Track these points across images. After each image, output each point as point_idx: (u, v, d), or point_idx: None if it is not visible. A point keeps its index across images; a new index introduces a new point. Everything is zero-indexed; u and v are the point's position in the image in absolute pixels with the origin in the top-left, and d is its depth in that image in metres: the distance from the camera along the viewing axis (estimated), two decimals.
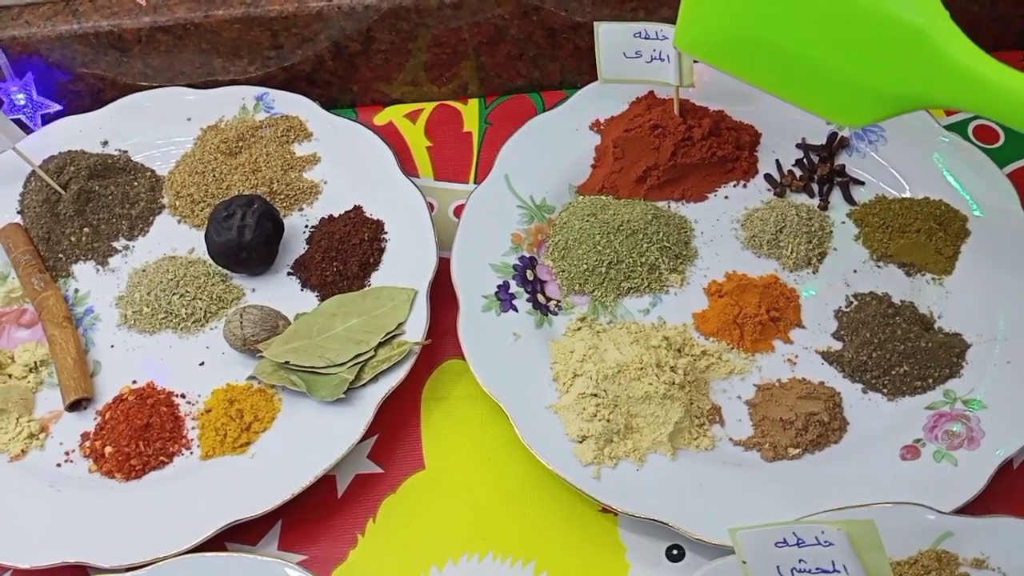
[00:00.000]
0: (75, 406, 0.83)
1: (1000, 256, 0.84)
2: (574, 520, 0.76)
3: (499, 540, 0.76)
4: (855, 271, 0.86)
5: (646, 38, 0.88)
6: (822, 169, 0.92)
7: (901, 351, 0.79)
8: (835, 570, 0.62)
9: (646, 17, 0.96)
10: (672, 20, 0.87)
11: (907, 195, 0.89)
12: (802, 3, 0.67)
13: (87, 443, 0.81)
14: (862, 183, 0.92)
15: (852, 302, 0.84)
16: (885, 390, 0.79)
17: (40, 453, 0.81)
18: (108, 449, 0.79)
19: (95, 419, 0.82)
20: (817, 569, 0.63)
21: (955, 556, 0.68)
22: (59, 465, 0.80)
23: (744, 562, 0.64)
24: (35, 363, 0.86)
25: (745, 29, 0.70)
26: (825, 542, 0.61)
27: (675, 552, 0.74)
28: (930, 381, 0.79)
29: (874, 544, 0.60)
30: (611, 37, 0.89)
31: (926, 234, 0.86)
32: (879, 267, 0.86)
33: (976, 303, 0.82)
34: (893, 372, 0.79)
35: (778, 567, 0.63)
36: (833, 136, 0.93)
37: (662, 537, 0.75)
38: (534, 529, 0.76)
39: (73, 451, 0.81)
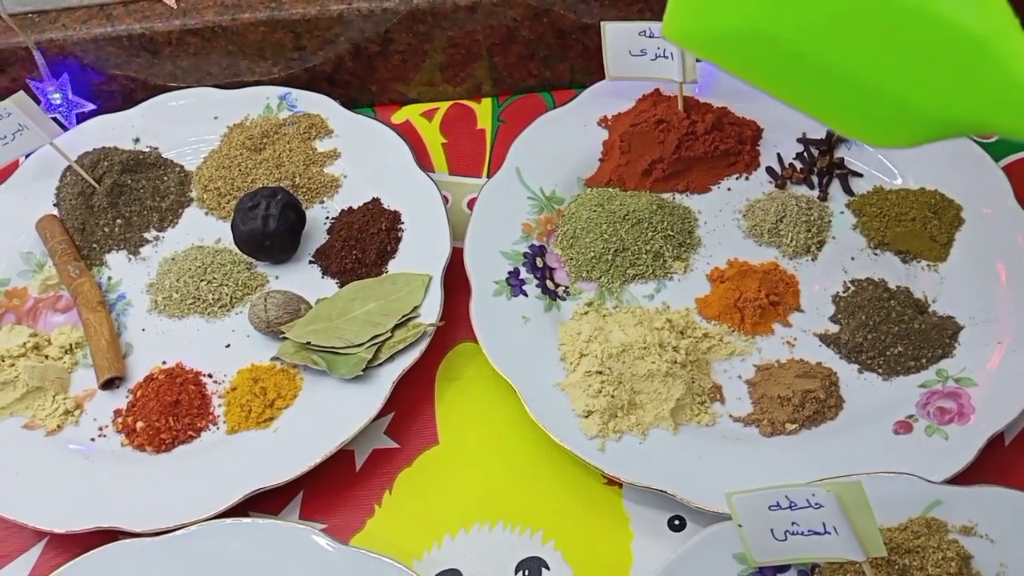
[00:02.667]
0: (108, 385, 0.87)
1: (992, 244, 0.87)
2: (580, 492, 0.80)
3: (509, 511, 0.79)
4: (853, 258, 0.90)
5: (651, 36, 0.92)
6: (821, 162, 0.95)
7: (895, 333, 0.82)
8: (826, 531, 0.65)
9: (652, 18, 1.00)
10: None
11: (903, 186, 0.93)
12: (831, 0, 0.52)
13: (119, 419, 0.85)
14: (860, 175, 0.95)
15: (849, 287, 0.87)
16: (880, 370, 0.82)
17: (75, 428, 0.85)
18: (139, 424, 0.84)
19: (127, 397, 0.87)
20: (809, 531, 0.66)
21: (944, 523, 0.70)
22: (93, 439, 0.85)
23: (740, 525, 0.67)
24: (71, 345, 0.90)
25: (752, 23, 0.55)
26: (816, 504, 0.64)
27: (676, 522, 0.78)
28: (923, 361, 0.82)
29: (862, 505, 0.63)
30: (617, 36, 0.94)
31: (921, 222, 0.89)
32: (876, 255, 0.90)
33: (969, 288, 0.86)
34: (888, 353, 0.82)
35: (772, 530, 0.66)
36: (832, 131, 0.97)
37: (664, 508, 0.78)
38: (542, 500, 0.80)
39: (106, 426, 0.85)
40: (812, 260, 0.90)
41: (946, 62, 0.50)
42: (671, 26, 0.59)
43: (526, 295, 0.88)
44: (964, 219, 0.90)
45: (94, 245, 0.97)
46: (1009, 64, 0.48)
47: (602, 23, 0.94)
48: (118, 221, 0.98)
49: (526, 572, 0.76)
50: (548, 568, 0.76)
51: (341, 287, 0.91)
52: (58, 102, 1.06)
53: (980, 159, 0.91)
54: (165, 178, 1.01)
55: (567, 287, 0.90)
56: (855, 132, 0.56)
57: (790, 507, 0.65)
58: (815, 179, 0.95)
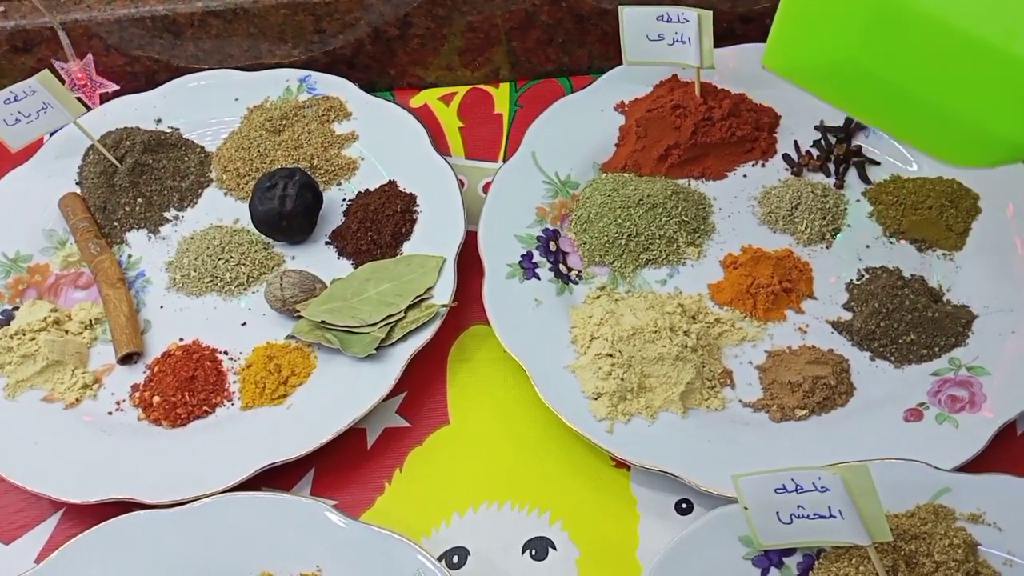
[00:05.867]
0: (126, 360, 0.89)
1: (1009, 233, 0.87)
2: (588, 473, 0.80)
3: (517, 490, 0.80)
4: (868, 246, 0.89)
5: (668, 21, 0.92)
6: (839, 150, 0.95)
7: (908, 321, 0.82)
8: (832, 515, 0.65)
9: (671, 3, 1.00)
10: (695, 6, 0.92)
11: (920, 174, 0.92)
12: (917, 37, 0.60)
13: (136, 393, 0.87)
14: (878, 163, 0.95)
15: (863, 275, 0.87)
16: (892, 358, 0.82)
17: (93, 402, 0.87)
18: (156, 399, 0.85)
19: (144, 372, 0.88)
20: (815, 514, 0.66)
21: (952, 511, 0.70)
22: (110, 413, 0.86)
23: (746, 508, 0.67)
24: (90, 320, 0.92)
25: (847, 57, 0.63)
26: (822, 488, 0.65)
27: (684, 505, 0.78)
28: (936, 350, 0.81)
29: (867, 489, 0.63)
30: (635, 21, 0.94)
31: (938, 211, 0.88)
32: (891, 243, 0.89)
33: (984, 277, 0.85)
34: (900, 341, 0.82)
35: (777, 512, 0.67)
36: (850, 119, 0.96)
37: (672, 491, 0.78)
38: (550, 481, 0.80)
39: (124, 400, 0.87)
40: (827, 247, 0.90)
41: (1021, 94, 0.58)
42: (772, 58, 0.68)
43: (539, 278, 0.89)
44: (981, 208, 0.89)
45: (115, 223, 0.99)
46: None
47: (620, 7, 0.94)
48: (139, 200, 0.99)
49: (533, 551, 0.77)
50: (555, 548, 0.77)
51: (356, 268, 0.92)
52: (82, 82, 1.07)
53: None
54: (186, 158, 1.03)
55: (580, 271, 0.90)
56: (940, 153, 0.64)
57: (796, 490, 0.66)
58: (832, 167, 0.95)
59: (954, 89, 0.60)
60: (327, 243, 0.95)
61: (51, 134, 1.04)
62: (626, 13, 0.94)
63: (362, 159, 1.01)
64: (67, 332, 0.91)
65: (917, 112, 0.63)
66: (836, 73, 0.64)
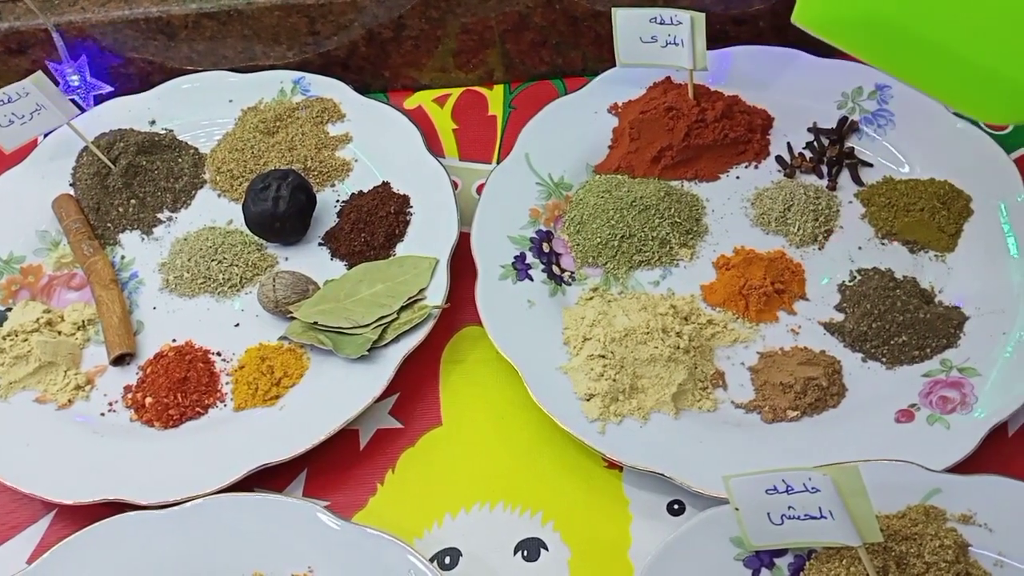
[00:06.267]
0: (119, 361, 0.89)
1: (1001, 235, 0.87)
2: (581, 475, 0.80)
3: (509, 491, 0.80)
4: (860, 248, 0.89)
5: (661, 23, 0.93)
6: (831, 151, 0.95)
7: (900, 322, 0.82)
8: (822, 516, 0.66)
9: (664, 5, 1.00)
10: (688, 8, 0.92)
11: (913, 176, 0.93)
12: None
13: (129, 395, 0.87)
14: (870, 165, 0.95)
15: (855, 276, 0.87)
16: (884, 359, 0.82)
17: (85, 403, 0.87)
18: (148, 400, 0.85)
19: (137, 373, 0.88)
20: (806, 515, 0.66)
21: (943, 511, 0.70)
22: (103, 414, 0.86)
23: (737, 508, 0.67)
24: (83, 322, 0.92)
25: (880, 11, 0.64)
26: (812, 488, 0.65)
27: (676, 506, 0.78)
28: (927, 351, 0.82)
29: (857, 489, 0.63)
30: (628, 22, 0.94)
31: (930, 212, 0.89)
32: (883, 244, 0.89)
33: (976, 279, 0.85)
34: (892, 342, 0.82)
35: (768, 513, 0.67)
36: (844, 120, 0.97)
37: (664, 492, 0.78)
38: (542, 482, 0.80)
39: (116, 402, 0.87)
40: (819, 249, 0.90)
41: None
42: (803, 14, 0.68)
43: (532, 279, 0.89)
44: (973, 210, 0.89)
45: (108, 224, 0.99)
46: None
47: (613, 10, 0.94)
48: (132, 201, 0.99)
49: (525, 552, 0.77)
50: (547, 549, 0.77)
51: (349, 269, 0.92)
52: (76, 83, 1.07)
53: (991, 150, 0.91)
54: (179, 160, 1.03)
55: (573, 272, 0.91)
56: (974, 110, 0.65)
57: (787, 491, 0.66)
58: (825, 168, 0.95)
59: (990, 44, 0.60)
60: (320, 244, 0.95)
61: (45, 135, 1.04)
62: (619, 15, 0.94)
63: (356, 160, 1.01)
64: (60, 333, 0.91)
65: (951, 68, 0.62)
66: (868, 28, 0.65)
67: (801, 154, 0.96)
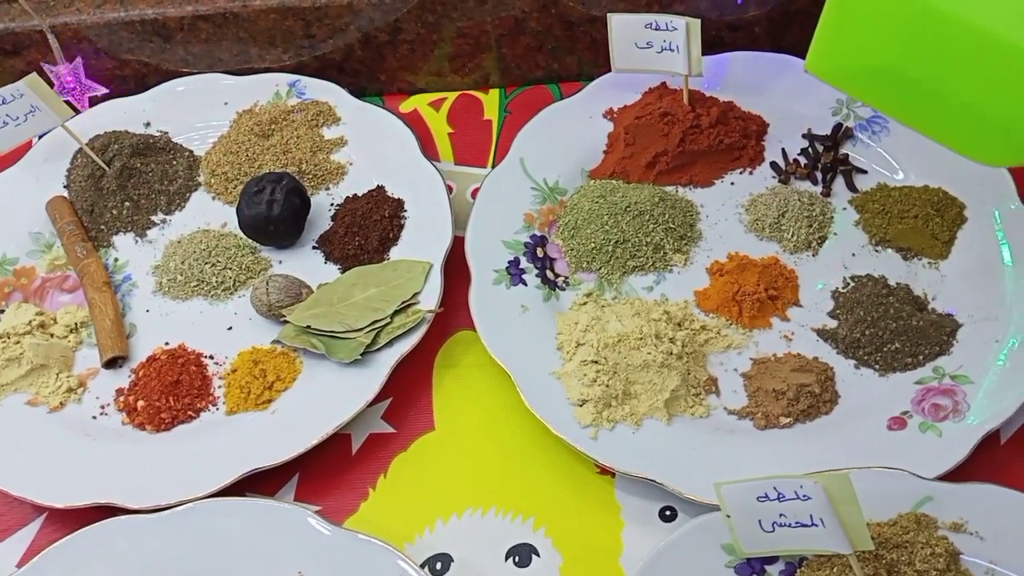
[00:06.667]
0: (111, 364, 0.88)
1: (994, 242, 0.87)
2: (573, 480, 0.80)
3: (501, 497, 0.80)
4: (853, 255, 0.89)
5: (657, 29, 0.93)
6: (826, 158, 0.95)
7: (893, 329, 0.82)
8: (813, 523, 0.65)
9: (659, 11, 1.00)
10: (683, 14, 0.92)
11: (907, 183, 0.93)
12: (951, 42, 0.64)
13: (121, 398, 0.86)
14: (865, 171, 0.95)
15: (849, 283, 0.87)
16: (877, 366, 0.82)
17: (77, 406, 0.87)
18: (140, 403, 0.85)
19: (129, 376, 0.88)
20: (797, 523, 0.66)
21: (934, 519, 0.70)
22: (95, 417, 0.86)
23: (728, 516, 0.67)
24: (76, 324, 0.91)
25: (886, 62, 0.68)
26: (803, 496, 0.65)
27: (668, 512, 0.78)
28: (920, 358, 0.82)
29: (848, 497, 0.63)
30: (623, 28, 0.94)
31: (923, 220, 0.89)
32: (877, 251, 0.89)
33: (969, 286, 0.85)
34: (885, 349, 0.82)
35: (760, 521, 0.67)
36: (838, 127, 0.97)
37: (656, 499, 0.78)
38: (535, 488, 0.80)
39: (108, 405, 0.87)
40: (813, 255, 0.90)
41: None
42: (815, 63, 0.72)
43: (525, 284, 0.89)
44: (967, 217, 0.89)
45: (102, 227, 0.99)
46: None
47: (608, 15, 0.94)
48: (126, 204, 0.99)
49: (516, 558, 0.77)
50: (538, 555, 0.77)
51: (343, 273, 0.92)
52: (71, 85, 1.07)
53: None
54: (174, 162, 1.03)
55: (567, 277, 0.90)
56: (973, 152, 0.68)
57: (778, 498, 0.66)
58: (819, 175, 0.95)
59: (985, 91, 0.64)
60: (314, 248, 0.95)
61: (40, 137, 1.04)
62: (615, 20, 0.94)
63: (351, 164, 1.01)
64: (52, 335, 0.91)
65: (951, 113, 0.67)
66: (875, 77, 0.69)
67: (796, 160, 0.96)
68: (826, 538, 0.65)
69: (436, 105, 1.09)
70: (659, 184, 0.95)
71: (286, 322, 0.87)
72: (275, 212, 0.92)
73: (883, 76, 0.69)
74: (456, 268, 0.90)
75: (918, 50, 0.66)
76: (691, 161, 0.96)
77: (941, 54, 0.65)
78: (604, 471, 0.80)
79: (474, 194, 0.98)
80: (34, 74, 0.96)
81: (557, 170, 0.96)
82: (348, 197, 0.98)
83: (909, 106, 0.70)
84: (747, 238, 0.92)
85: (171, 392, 0.85)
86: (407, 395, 0.87)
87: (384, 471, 0.83)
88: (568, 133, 0.98)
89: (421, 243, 0.92)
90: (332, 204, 0.98)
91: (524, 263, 0.90)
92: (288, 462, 0.80)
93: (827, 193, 0.94)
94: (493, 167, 0.98)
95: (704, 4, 1.01)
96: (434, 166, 0.96)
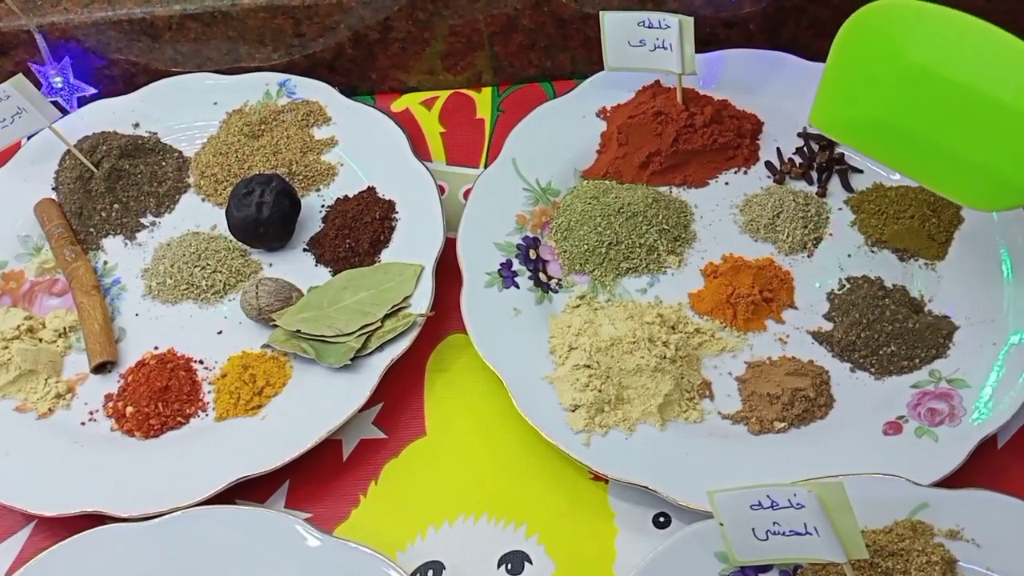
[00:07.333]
0: (100, 369, 0.87)
1: (991, 243, 0.86)
2: (566, 487, 0.79)
3: (494, 504, 0.79)
4: (849, 256, 0.89)
5: (650, 27, 0.91)
6: (821, 157, 0.94)
7: (889, 332, 0.81)
8: (807, 532, 0.65)
9: (653, 8, 0.99)
10: (677, 11, 0.91)
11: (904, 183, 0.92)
12: (941, 98, 0.72)
13: (110, 404, 0.86)
14: (860, 171, 0.94)
15: (845, 285, 0.86)
16: (872, 369, 0.81)
17: (66, 412, 0.86)
18: (129, 409, 0.84)
19: (118, 381, 0.87)
20: (791, 531, 0.65)
21: (930, 526, 0.70)
22: (83, 424, 0.85)
23: (721, 524, 0.67)
24: (64, 329, 0.91)
25: (883, 115, 0.76)
26: (797, 504, 0.64)
27: (661, 519, 0.77)
28: (916, 361, 0.81)
29: (843, 506, 0.63)
30: (616, 26, 0.93)
31: (920, 220, 0.88)
32: (873, 252, 0.88)
33: (966, 287, 0.84)
34: (881, 352, 0.81)
35: (753, 529, 0.66)
36: None
37: (650, 505, 0.77)
38: (527, 494, 0.79)
39: (97, 411, 0.86)
40: (808, 257, 0.89)
41: None
42: (817, 117, 0.80)
43: (518, 287, 0.88)
44: (963, 218, 0.88)
45: (91, 229, 0.98)
46: None
47: (601, 13, 0.93)
48: (115, 206, 0.98)
49: (509, 565, 0.76)
50: (531, 562, 0.76)
51: (334, 275, 0.91)
52: (59, 86, 1.06)
53: None
54: (163, 163, 1.01)
55: (560, 280, 0.90)
56: (962, 198, 0.76)
57: (772, 507, 0.65)
58: (814, 175, 0.94)
59: (972, 142, 0.72)
60: (305, 250, 0.94)
61: (28, 138, 1.02)
62: (607, 19, 0.93)
63: (341, 165, 1.00)
64: (41, 340, 0.90)
65: (942, 162, 0.74)
66: (872, 129, 0.77)
67: (791, 159, 0.95)
68: (820, 547, 0.64)
69: (428, 104, 1.08)
70: (653, 184, 0.94)
71: (276, 326, 0.87)
72: (264, 214, 0.91)
73: (879, 129, 0.76)
74: (448, 270, 0.89)
75: (909, 105, 0.74)
76: (685, 161, 0.95)
77: (930, 109, 0.73)
78: (597, 477, 0.79)
79: (466, 195, 0.97)
80: (20, 75, 0.95)
81: (550, 170, 0.95)
82: (339, 198, 0.97)
83: (904, 156, 0.77)
84: (742, 239, 0.91)
85: (160, 398, 0.84)
86: (398, 400, 0.86)
87: (375, 477, 0.82)
88: (561, 133, 0.97)
89: (412, 245, 0.91)
90: (323, 205, 0.97)
91: (516, 265, 0.89)
92: (278, 469, 0.79)
93: (822, 193, 0.93)
94: (486, 167, 0.97)
95: (698, 1, 1.00)
96: (425, 167, 0.95)
